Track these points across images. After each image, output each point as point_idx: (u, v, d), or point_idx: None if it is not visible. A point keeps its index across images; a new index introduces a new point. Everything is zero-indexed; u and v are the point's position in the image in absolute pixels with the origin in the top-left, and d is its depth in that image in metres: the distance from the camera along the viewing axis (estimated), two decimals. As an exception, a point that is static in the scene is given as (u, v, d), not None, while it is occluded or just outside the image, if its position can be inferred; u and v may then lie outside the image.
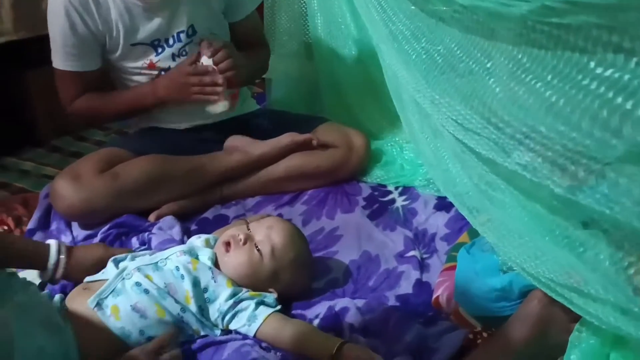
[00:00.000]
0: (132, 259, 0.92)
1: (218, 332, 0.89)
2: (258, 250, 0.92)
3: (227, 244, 0.93)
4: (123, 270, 0.88)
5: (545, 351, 0.79)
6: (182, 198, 1.25)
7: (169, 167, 1.23)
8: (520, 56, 0.51)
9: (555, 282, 0.60)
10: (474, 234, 1.06)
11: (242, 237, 0.92)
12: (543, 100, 0.47)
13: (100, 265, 0.95)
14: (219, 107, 1.24)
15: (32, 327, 0.78)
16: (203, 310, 0.87)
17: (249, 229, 0.96)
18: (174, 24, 1.25)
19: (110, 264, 0.92)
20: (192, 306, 0.86)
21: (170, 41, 1.26)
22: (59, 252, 0.94)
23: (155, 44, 1.25)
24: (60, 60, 1.22)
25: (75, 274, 0.95)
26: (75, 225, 1.21)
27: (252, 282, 0.92)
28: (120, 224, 1.19)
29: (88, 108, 1.28)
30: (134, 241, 1.17)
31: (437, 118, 0.71)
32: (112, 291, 0.85)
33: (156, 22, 1.23)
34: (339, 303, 0.95)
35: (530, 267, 0.64)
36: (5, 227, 1.25)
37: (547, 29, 0.46)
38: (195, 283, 0.87)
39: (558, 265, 0.60)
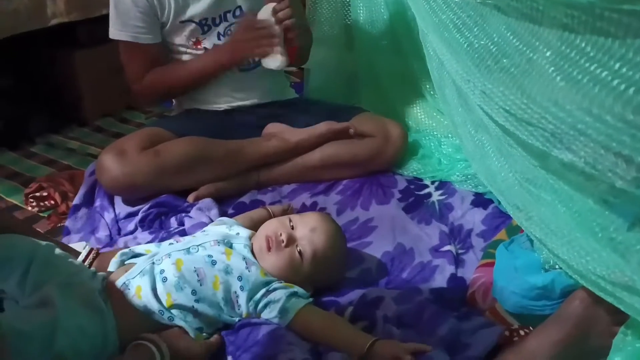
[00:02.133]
0: (159, 245, 0.94)
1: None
2: (300, 252, 0.92)
3: (269, 241, 0.92)
4: (154, 255, 0.89)
5: (585, 353, 0.77)
6: (220, 179, 1.27)
7: (209, 149, 1.25)
8: (583, 44, 0.49)
9: (605, 280, 0.59)
10: (512, 231, 1.05)
11: (284, 238, 0.91)
12: (610, 89, 0.46)
13: None
14: (276, 62, 1.23)
15: (74, 305, 0.80)
16: (239, 296, 0.87)
17: (291, 226, 0.94)
18: (222, 4, 1.27)
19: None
20: (219, 293, 0.86)
21: (217, 20, 1.28)
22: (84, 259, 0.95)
23: (202, 23, 1.27)
24: (125, 32, 1.25)
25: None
26: (117, 202, 1.24)
27: (287, 280, 0.92)
28: (161, 203, 1.22)
29: (159, 81, 1.30)
30: (173, 221, 1.20)
31: (485, 109, 0.70)
32: (140, 272, 0.86)
33: (206, 1, 1.25)
34: (373, 292, 0.95)
35: (579, 264, 0.63)
36: (52, 202, 1.30)
37: (617, 17, 0.44)
38: (228, 271, 0.88)
39: (609, 263, 0.58)
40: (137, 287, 0.85)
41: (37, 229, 1.13)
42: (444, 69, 0.90)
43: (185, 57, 1.32)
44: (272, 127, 1.34)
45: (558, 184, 0.65)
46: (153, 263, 0.87)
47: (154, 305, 0.84)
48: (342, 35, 1.67)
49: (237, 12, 1.29)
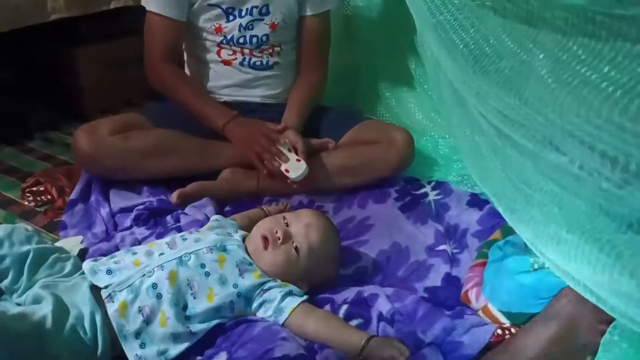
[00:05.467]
0: (149, 254, 0.89)
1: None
2: (296, 248, 0.92)
3: (265, 240, 0.92)
4: (145, 267, 0.86)
5: (573, 350, 0.78)
6: (191, 173, 1.26)
7: (180, 141, 1.26)
8: (575, 47, 0.50)
9: (591, 280, 0.60)
10: (507, 232, 1.06)
11: (280, 235, 0.91)
12: (599, 91, 0.47)
13: None
14: (300, 170, 1.19)
15: (66, 305, 0.80)
16: (234, 303, 0.87)
17: (286, 223, 0.95)
18: None
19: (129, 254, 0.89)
20: (213, 304, 0.85)
21: (243, 12, 1.29)
22: None
23: (228, 11, 1.29)
24: (157, 4, 1.25)
25: None
26: (112, 198, 1.25)
27: (283, 277, 0.92)
28: (153, 207, 1.21)
29: (167, 83, 1.30)
30: (169, 219, 1.20)
31: (480, 110, 0.71)
32: (129, 286, 0.83)
33: None
34: (368, 289, 0.96)
35: (566, 264, 0.64)
36: (49, 197, 1.30)
37: (608, 21, 0.45)
38: (222, 281, 0.87)
39: (595, 264, 0.59)
40: (121, 302, 0.82)
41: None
42: (440, 69, 0.91)
43: (204, 43, 1.32)
44: None
45: (549, 185, 0.66)
46: (143, 275, 0.84)
47: (136, 325, 0.81)
48: (342, 35, 1.68)
49: (264, 10, 1.29)
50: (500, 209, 0.82)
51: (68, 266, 0.89)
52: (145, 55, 1.32)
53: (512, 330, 0.85)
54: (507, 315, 0.88)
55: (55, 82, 1.76)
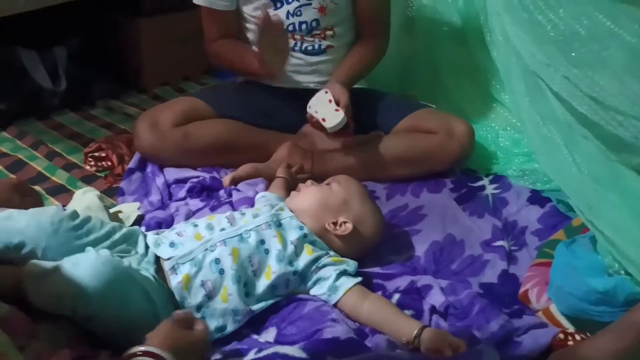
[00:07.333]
0: (210, 228, 0.90)
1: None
2: (326, 184, 1.01)
3: (298, 190, 1.02)
4: (208, 241, 0.87)
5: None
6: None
7: (237, 137, 1.27)
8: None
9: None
10: (571, 232, 1.00)
11: (308, 182, 1.03)
12: None
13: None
14: (337, 119, 1.17)
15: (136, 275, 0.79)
16: (290, 280, 0.88)
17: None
18: None
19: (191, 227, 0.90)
20: (270, 282, 0.86)
21: None
22: None
23: None
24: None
25: None
26: (166, 170, 1.26)
27: (325, 212, 0.95)
28: (206, 184, 1.22)
29: (219, 55, 1.36)
30: (222, 193, 1.21)
31: (565, 97, 0.66)
32: (191, 260, 0.84)
33: None
34: (422, 279, 0.93)
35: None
36: (110, 163, 1.34)
37: None
38: (280, 258, 0.88)
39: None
40: (185, 275, 0.83)
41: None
42: (513, 54, 0.86)
43: (256, 29, 1.29)
44: (307, 127, 1.30)
45: (637, 181, 0.60)
46: (206, 250, 0.86)
47: (198, 299, 0.82)
48: (402, 19, 1.63)
49: None
50: (574, 203, 0.77)
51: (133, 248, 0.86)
52: (204, 42, 1.35)
53: (577, 336, 0.80)
54: (573, 320, 0.82)
55: (118, 52, 1.80)
